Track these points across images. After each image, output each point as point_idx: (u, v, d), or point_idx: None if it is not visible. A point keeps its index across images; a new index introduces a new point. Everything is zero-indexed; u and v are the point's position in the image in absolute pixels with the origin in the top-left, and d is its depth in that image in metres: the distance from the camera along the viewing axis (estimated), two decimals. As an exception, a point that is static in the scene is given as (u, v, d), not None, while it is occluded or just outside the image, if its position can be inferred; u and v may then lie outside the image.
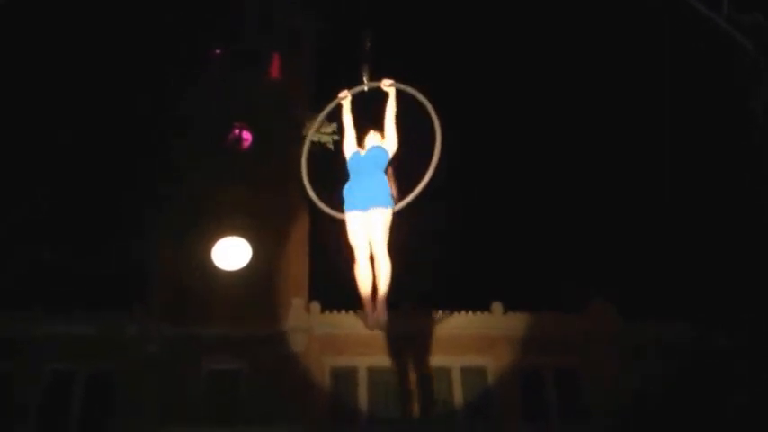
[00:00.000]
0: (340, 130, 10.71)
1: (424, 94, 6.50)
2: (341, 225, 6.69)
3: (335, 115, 7.27)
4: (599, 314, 24.62)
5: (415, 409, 23.12)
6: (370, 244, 6.51)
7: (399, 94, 6.60)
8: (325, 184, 6.44)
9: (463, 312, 24.50)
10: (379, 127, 6.78)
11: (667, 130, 24.10)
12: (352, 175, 6.59)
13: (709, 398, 22.83)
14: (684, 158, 25.20)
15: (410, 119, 6.70)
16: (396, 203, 6.42)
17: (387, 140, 6.59)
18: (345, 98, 6.78)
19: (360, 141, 6.89)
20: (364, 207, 6.38)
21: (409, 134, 6.65)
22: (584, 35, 23.30)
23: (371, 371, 23.58)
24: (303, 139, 12.91)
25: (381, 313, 6.43)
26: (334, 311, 24.25)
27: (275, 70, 18.54)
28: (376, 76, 6.77)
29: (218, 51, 15.83)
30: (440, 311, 24.34)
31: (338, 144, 12.73)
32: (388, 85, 6.55)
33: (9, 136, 14.06)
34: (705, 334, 23.73)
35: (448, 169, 6.32)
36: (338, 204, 6.69)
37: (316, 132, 13.43)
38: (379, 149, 6.55)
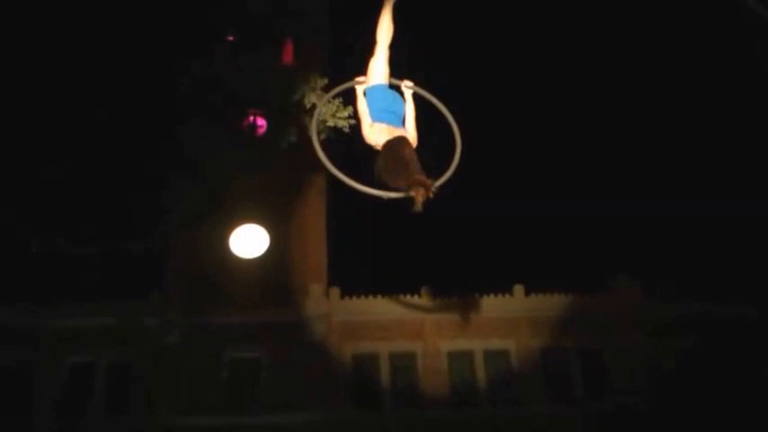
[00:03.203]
0: (355, 115, 10.46)
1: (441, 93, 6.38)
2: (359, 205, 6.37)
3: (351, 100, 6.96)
4: (623, 292, 24.50)
5: (439, 393, 23.14)
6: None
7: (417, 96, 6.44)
8: (345, 170, 6.10)
9: (485, 296, 24.49)
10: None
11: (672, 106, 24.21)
12: (383, 101, 6.21)
13: (733, 375, 22.83)
14: (707, 137, 25.37)
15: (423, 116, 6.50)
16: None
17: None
18: (362, 84, 6.39)
19: None
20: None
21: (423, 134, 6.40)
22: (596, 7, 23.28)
23: (393, 356, 23.67)
24: (313, 108, 12.81)
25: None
26: (354, 297, 24.35)
27: (288, 56, 18.37)
28: (397, 74, 6.53)
29: (230, 38, 15.70)
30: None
31: (354, 128, 12.61)
32: (408, 87, 6.39)
33: (22, 124, 14.07)
34: (728, 311, 23.76)
35: (465, 155, 6.04)
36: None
37: (332, 117, 13.39)
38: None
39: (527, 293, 24.64)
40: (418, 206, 5.26)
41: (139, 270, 22.70)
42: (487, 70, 26.41)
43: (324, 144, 6.74)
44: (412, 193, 5.30)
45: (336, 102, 13.16)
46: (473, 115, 6.10)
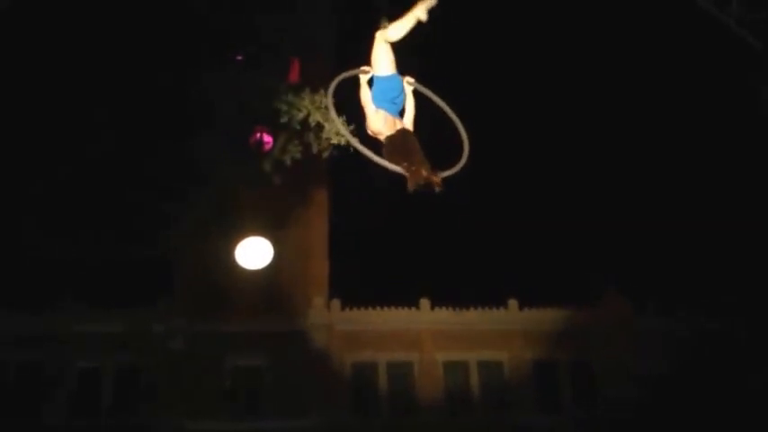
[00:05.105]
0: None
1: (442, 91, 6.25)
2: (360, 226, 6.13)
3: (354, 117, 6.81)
4: (612, 305, 24.90)
5: (434, 401, 23.53)
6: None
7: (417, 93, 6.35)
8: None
9: (480, 309, 24.90)
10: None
11: (662, 126, 24.40)
12: (389, 91, 6.12)
13: (719, 386, 23.28)
14: (694, 156, 25.55)
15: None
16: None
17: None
18: (367, 73, 6.24)
19: None
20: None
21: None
22: (593, 35, 23.57)
23: (391, 365, 24.01)
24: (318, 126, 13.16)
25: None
26: (354, 308, 24.66)
27: (294, 75, 18.79)
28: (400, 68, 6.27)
29: (239, 58, 16.10)
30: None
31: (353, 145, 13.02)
32: (410, 83, 6.32)
33: (35, 134, 14.30)
34: (715, 324, 24.17)
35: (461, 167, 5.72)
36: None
37: (335, 135, 13.79)
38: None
39: (521, 307, 24.98)
40: (413, 186, 5.30)
41: (147, 278, 23.15)
42: (491, 86, 26.47)
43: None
44: (418, 178, 5.29)
45: (340, 120, 13.45)
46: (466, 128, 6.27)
